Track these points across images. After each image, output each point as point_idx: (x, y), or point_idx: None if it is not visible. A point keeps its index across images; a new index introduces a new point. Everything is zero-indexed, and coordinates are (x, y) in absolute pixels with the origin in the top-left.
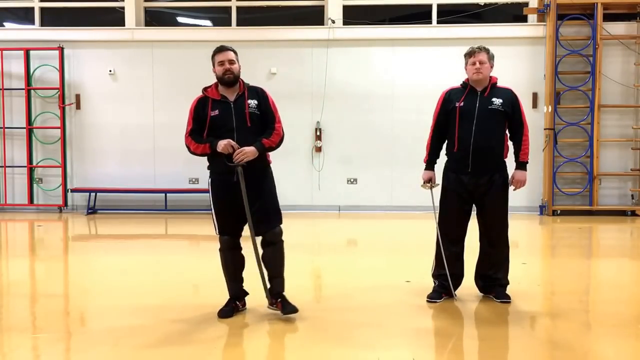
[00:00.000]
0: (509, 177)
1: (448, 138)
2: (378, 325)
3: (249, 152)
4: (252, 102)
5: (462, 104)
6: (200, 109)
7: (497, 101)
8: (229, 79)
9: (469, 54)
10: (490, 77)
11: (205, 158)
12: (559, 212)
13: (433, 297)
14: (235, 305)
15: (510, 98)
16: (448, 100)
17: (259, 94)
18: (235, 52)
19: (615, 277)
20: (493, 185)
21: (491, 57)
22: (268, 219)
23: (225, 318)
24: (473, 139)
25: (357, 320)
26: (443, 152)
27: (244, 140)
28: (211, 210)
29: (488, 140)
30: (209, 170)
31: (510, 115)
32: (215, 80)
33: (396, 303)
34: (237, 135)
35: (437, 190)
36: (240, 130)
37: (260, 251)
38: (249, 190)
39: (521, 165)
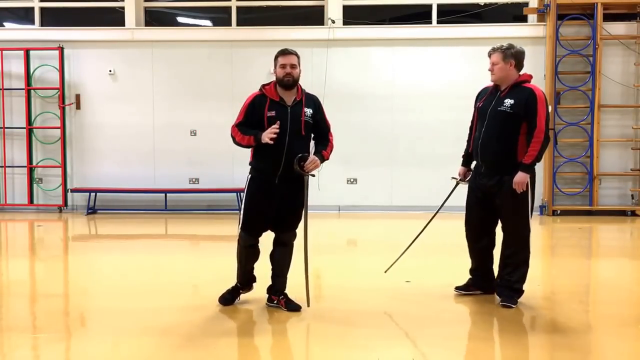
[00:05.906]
0: None
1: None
2: (378, 325)
3: (319, 162)
4: (308, 111)
5: (481, 104)
6: (256, 105)
7: (507, 102)
8: (288, 82)
9: (488, 55)
10: (520, 74)
11: (249, 155)
12: (559, 212)
13: (460, 288)
14: (238, 293)
15: (526, 99)
16: (476, 98)
17: (315, 103)
18: (298, 57)
19: (616, 277)
20: (503, 187)
21: (507, 56)
22: (290, 224)
23: (225, 305)
24: (481, 140)
25: (357, 320)
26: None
27: (294, 145)
28: (241, 204)
29: (492, 142)
30: (250, 166)
31: (522, 117)
32: (273, 80)
33: (396, 303)
34: (288, 139)
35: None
36: (293, 135)
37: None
38: (289, 196)
39: (522, 166)
